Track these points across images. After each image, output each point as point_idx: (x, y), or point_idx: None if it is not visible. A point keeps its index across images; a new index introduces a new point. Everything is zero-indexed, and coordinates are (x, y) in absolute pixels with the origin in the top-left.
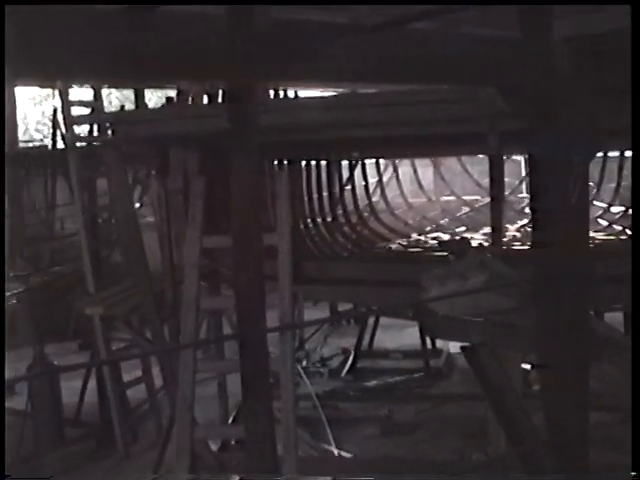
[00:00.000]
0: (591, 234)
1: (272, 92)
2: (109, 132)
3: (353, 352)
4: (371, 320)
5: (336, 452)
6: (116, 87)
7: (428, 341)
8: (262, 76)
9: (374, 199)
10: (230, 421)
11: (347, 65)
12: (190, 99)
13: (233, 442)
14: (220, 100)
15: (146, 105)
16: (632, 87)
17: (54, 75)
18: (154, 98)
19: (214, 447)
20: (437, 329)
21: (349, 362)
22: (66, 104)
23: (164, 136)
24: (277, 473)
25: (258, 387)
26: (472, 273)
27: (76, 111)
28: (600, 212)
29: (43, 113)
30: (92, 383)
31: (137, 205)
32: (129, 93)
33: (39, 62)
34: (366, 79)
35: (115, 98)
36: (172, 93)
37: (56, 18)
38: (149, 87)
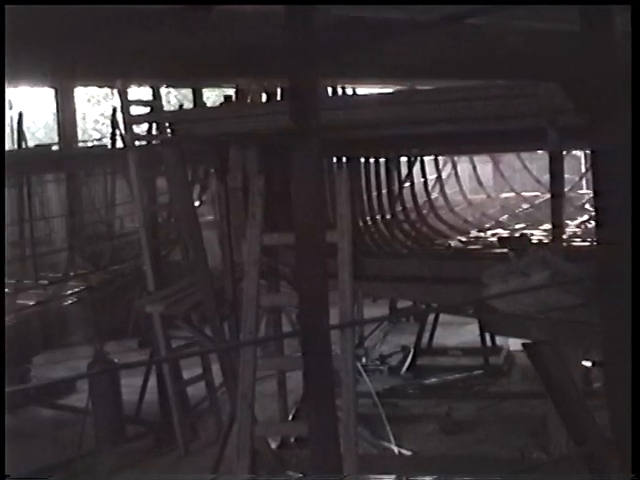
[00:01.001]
0: None
1: (330, 90)
2: (168, 131)
3: (412, 349)
4: (431, 317)
5: (396, 450)
6: (174, 86)
7: (488, 338)
8: (323, 74)
9: (433, 196)
10: (290, 419)
11: (406, 62)
12: (249, 98)
13: (292, 440)
14: (279, 98)
15: (204, 104)
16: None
17: (114, 75)
18: (212, 97)
19: (273, 445)
20: (499, 326)
21: (408, 359)
22: (125, 103)
23: (224, 134)
24: (340, 472)
25: (321, 385)
26: (534, 270)
27: (135, 110)
28: None
29: (102, 113)
30: (152, 381)
31: (196, 203)
32: (187, 92)
33: (102, 62)
34: (426, 76)
35: (174, 97)
36: (230, 92)
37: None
38: (207, 86)
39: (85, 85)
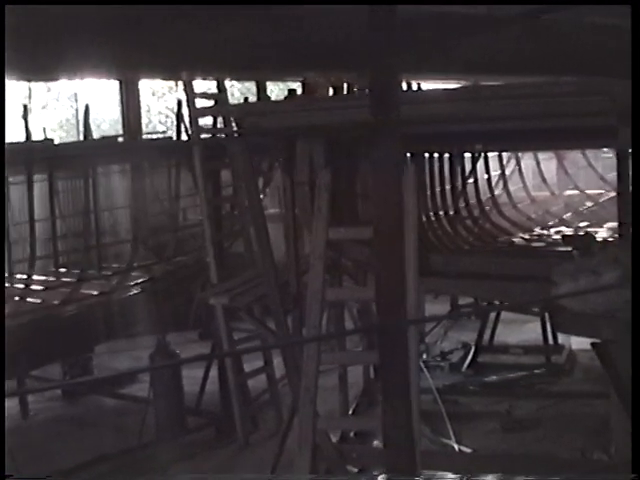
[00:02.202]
0: None
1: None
2: (233, 124)
3: (474, 346)
4: (492, 314)
5: (456, 447)
6: (238, 79)
7: (550, 337)
8: (404, 69)
9: (496, 192)
10: (350, 413)
11: (484, 58)
12: (316, 91)
13: (352, 434)
14: (345, 92)
15: (268, 97)
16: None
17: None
18: (276, 90)
19: (334, 439)
20: (568, 325)
21: (469, 356)
22: (191, 96)
23: (291, 128)
24: (414, 469)
25: (397, 381)
26: (605, 269)
27: (200, 103)
28: None
29: (166, 106)
30: (213, 372)
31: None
32: (250, 85)
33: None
34: (501, 72)
35: (237, 90)
36: (294, 85)
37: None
38: (271, 79)
39: (150, 78)
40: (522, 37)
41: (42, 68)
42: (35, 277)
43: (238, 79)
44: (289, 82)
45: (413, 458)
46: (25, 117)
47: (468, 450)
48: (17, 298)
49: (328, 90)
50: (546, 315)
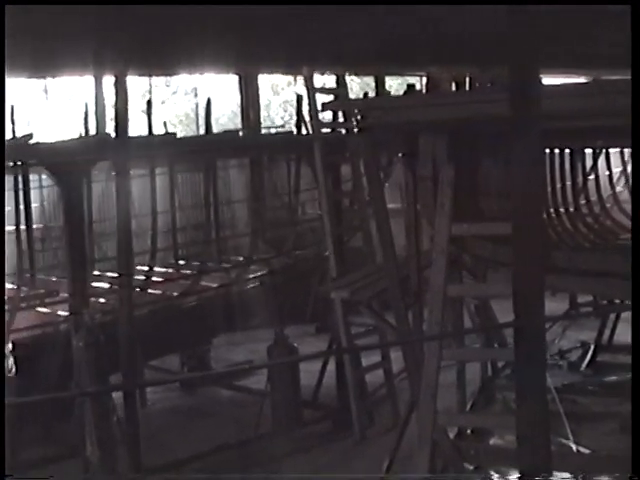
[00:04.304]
0: None
1: None
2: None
3: (593, 346)
4: (612, 313)
5: (574, 447)
6: (357, 74)
7: None
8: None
9: (618, 189)
10: (467, 409)
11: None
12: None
13: (469, 431)
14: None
15: (388, 92)
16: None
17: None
18: (394, 85)
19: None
20: None
21: (588, 356)
22: (311, 91)
23: (416, 123)
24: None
25: (533, 379)
26: None
27: (319, 98)
28: None
29: (285, 100)
30: (331, 366)
31: None
32: (369, 80)
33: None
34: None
35: (356, 85)
36: (413, 80)
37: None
38: (390, 74)
39: (270, 73)
40: None
41: (163, 63)
42: (156, 269)
43: (356, 73)
44: (408, 77)
45: (548, 458)
46: (148, 112)
47: (586, 451)
48: (138, 289)
49: (451, 85)
50: None
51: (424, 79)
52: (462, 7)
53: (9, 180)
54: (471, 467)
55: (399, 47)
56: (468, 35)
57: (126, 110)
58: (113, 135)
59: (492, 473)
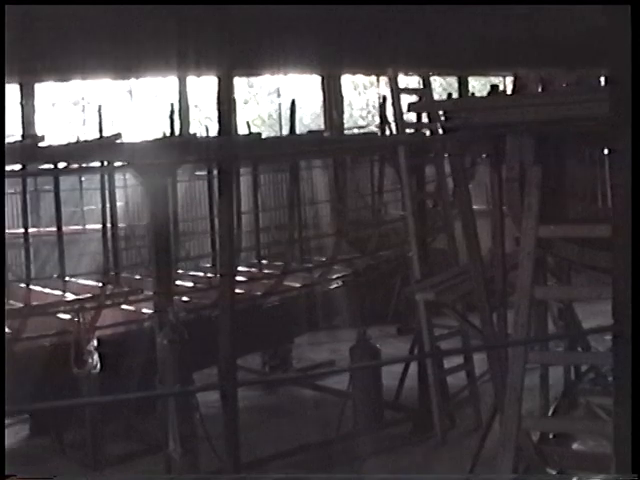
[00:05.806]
0: None
1: None
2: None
3: None
4: None
5: None
6: (439, 74)
7: None
8: None
9: None
10: (550, 414)
11: None
12: (526, 87)
13: (551, 436)
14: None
15: (472, 93)
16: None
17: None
18: (477, 86)
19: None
20: None
21: None
22: (396, 92)
23: (502, 124)
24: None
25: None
26: None
27: (403, 99)
28: None
29: (367, 100)
30: (413, 367)
31: None
32: (452, 80)
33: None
34: None
35: (438, 85)
36: (495, 81)
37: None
38: (473, 75)
39: (353, 73)
40: None
41: (245, 63)
42: (239, 268)
43: (439, 74)
44: (491, 77)
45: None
46: (233, 112)
47: None
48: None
49: (538, 86)
50: None
51: (507, 79)
52: (561, 8)
53: (96, 179)
54: (554, 472)
55: (487, 47)
56: (561, 36)
57: (230, 111)
58: (199, 135)
59: (575, 478)
